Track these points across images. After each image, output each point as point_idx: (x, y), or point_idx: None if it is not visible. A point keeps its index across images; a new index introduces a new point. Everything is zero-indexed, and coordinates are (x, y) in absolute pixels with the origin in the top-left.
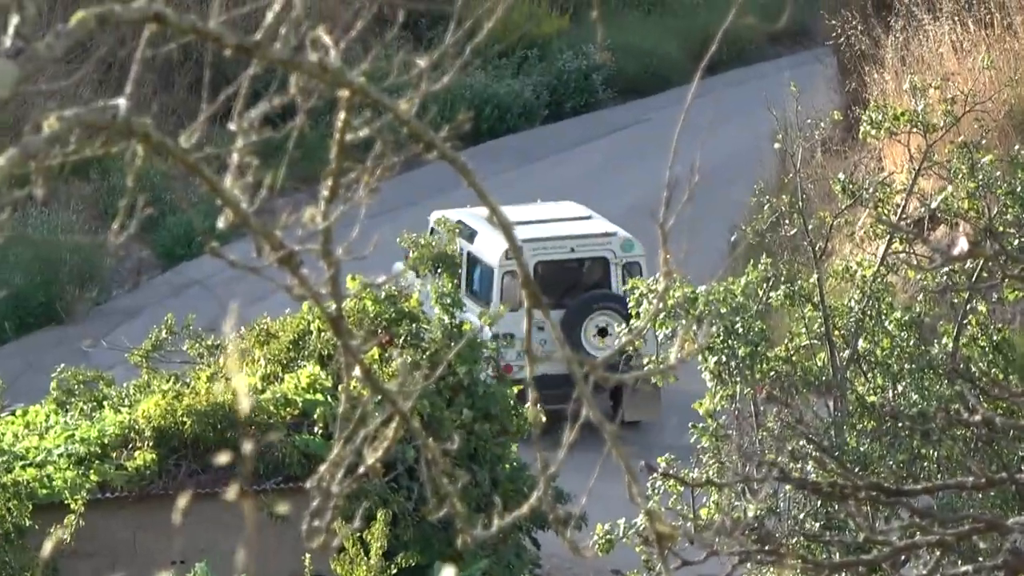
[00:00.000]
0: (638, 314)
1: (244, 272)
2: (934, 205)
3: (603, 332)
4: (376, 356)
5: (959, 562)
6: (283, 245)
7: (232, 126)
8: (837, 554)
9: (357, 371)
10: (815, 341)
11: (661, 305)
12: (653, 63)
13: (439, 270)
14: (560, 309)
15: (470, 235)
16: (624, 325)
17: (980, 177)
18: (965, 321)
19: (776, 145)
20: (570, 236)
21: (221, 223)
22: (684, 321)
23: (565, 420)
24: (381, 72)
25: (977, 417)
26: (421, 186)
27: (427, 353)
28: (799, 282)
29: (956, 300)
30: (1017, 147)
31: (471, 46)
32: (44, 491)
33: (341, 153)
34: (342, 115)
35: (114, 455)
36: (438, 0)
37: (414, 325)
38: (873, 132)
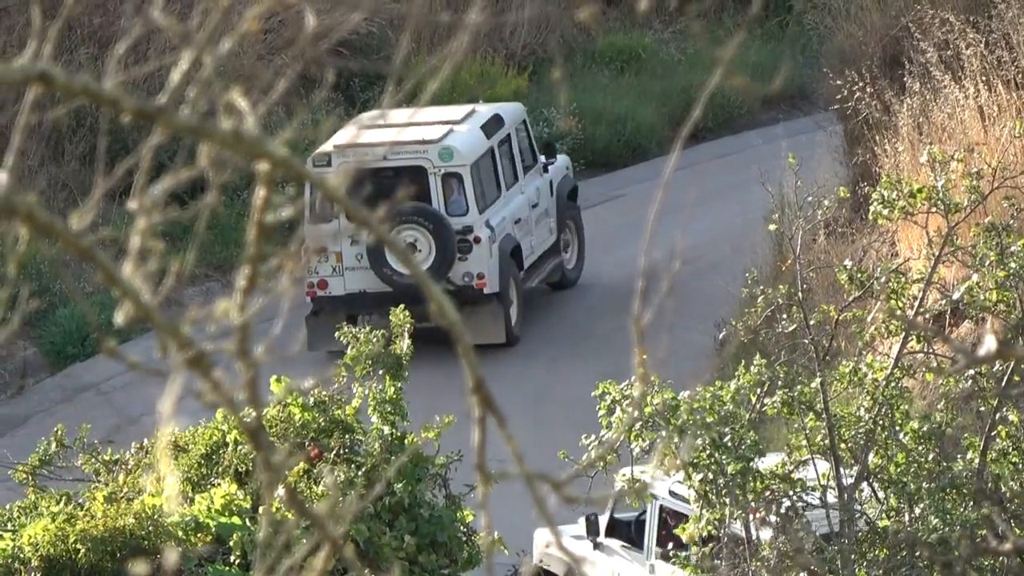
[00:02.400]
0: (609, 424)
1: (146, 375)
2: (957, 297)
3: (411, 248)
4: (303, 472)
5: None
6: (192, 344)
7: (132, 204)
8: None
9: (280, 490)
10: (818, 455)
11: (637, 414)
12: (626, 130)
13: (380, 371)
14: None
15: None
16: (434, 239)
17: (1011, 265)
18: (993, 433)
19: (772, 227)
20: (383, 143)
21: (119, 318)
22: (664, 432)
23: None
24: (307, 141)
25: (1008, 546)
26: None
27: (363, 469)
28: (799, 387)
29: (983, 408)
30: None
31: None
32: None
33: (260, 236)
34: (261, 191)
35: None
36: (373, 58)
37: (348, 436)
38: (885, 212)
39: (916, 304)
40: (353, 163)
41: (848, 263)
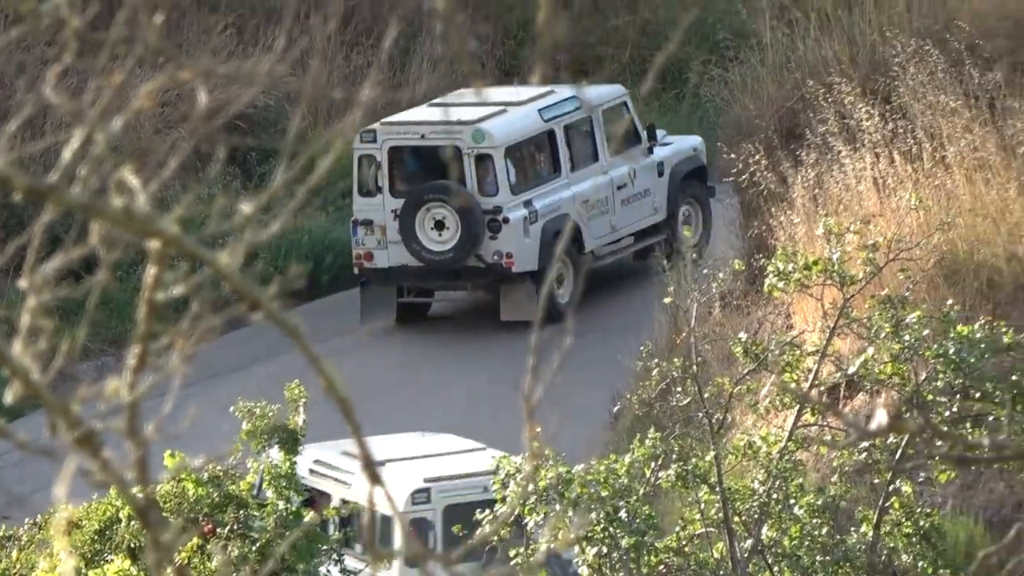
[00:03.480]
0: (504, 498)
1: (35, 454)
2: (852, 370)
3: (440, 225)
4: (196, 548)
5: None
6: (81, 423)
7: (22, 282)
8: None
9: (170, 570)
10: (712, 529)
11: (531, 488)
12: None
13: (275, 444)
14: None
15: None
16: (459, 217)
17: (906, 337)
18: (887, 505)
19: (667, 299)
20: (421, 122)
21: (8, 396)
22: (558, 506)
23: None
24: (200, 218)
25: None
26: (248, 350)
27: (257, 545)
28: (693, 460)
29: (877, 481)
30: (950, 302)
31: (307, 185)
32: None
33: (151, 314)
34: (152, 269)
35: None
36: (271, 131)
37: (242, 512)
38: (780, 284)
39: (811, 377)
40: (392, 140)
41: (743, 336)
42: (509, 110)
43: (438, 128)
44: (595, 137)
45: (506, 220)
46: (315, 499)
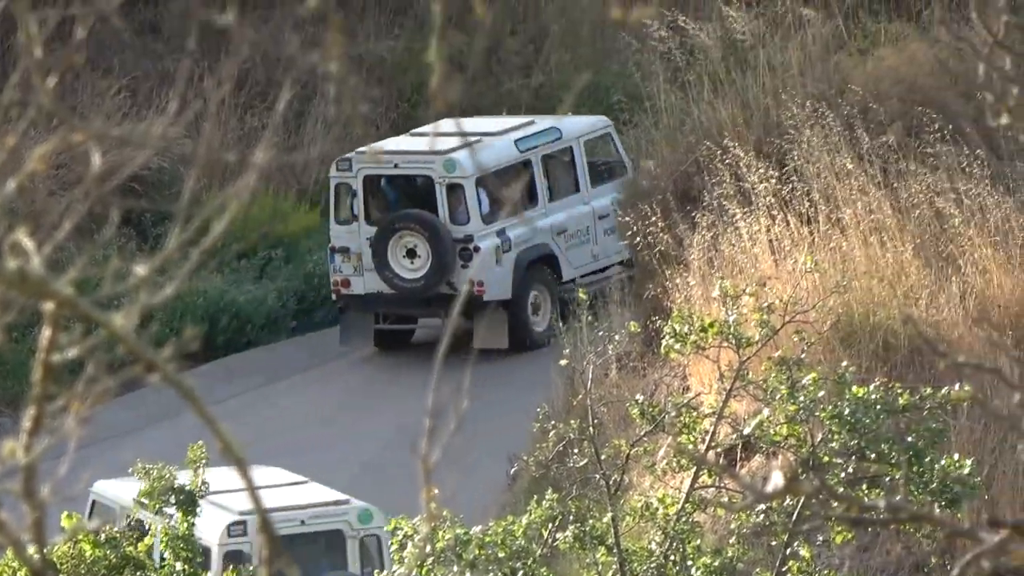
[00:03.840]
0: (403, 558)
1: None
2: (748, 431)
3: (412, 253)
4: None
5: None
6: None
7: None
8: None
9: None
10: None
11: (428, 549)
12: None
13: (173, 506)
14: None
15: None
16: (430, 246)
17: (801, 399)
18: (785, 568)
19: (563, 362)
20: (395, 151)
21: None
22: (455, 568)
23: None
24: (95, 280)
25: None
26: (144, 411)
27: None
28: (591, 521)
29: (774, 543)
30: (844, 364)
31: (201, 247)
32: None
33: (47, 376)
34: (47, 331)
35: None
36: (165, 192)
37: (140, 573)
38: (677, 346)
39: (707, 439)
40: (366, 170)
41: (639, 397)
42: (484, 140)
43: (411, 157)
44: (576, 168)
45: (477, 249)
46: (143, 529)
